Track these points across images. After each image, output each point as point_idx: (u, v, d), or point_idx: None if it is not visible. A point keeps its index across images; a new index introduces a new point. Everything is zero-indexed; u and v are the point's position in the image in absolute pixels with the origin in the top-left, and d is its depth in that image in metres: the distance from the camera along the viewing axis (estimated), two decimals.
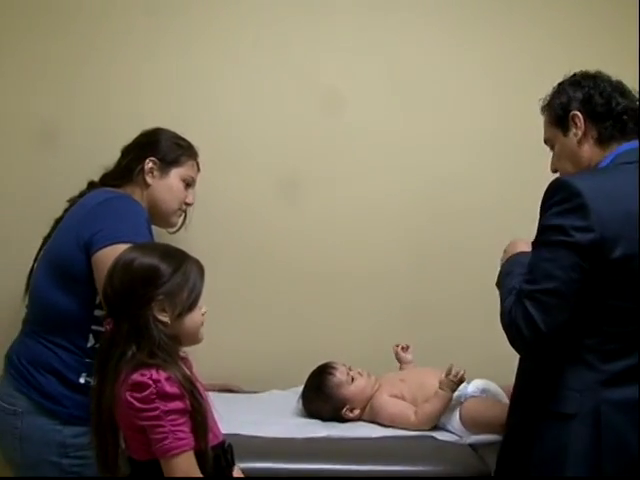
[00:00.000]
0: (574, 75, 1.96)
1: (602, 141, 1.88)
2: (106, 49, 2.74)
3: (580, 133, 1.89)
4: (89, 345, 2.07)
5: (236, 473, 1.79)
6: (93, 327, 2.07)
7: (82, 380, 2.06)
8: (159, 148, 2.27)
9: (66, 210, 2.24)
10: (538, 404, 1.80)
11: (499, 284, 1.91)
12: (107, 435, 1.67)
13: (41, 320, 2.12)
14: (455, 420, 2.29)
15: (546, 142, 2.01)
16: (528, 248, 1.89)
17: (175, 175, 2.28)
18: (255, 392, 2.66)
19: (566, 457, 1.72)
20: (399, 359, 2.62)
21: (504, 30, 2.84)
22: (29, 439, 2.05)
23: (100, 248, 2.00)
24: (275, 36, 2.79)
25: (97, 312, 2.06)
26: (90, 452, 1.99)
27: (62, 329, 2.07)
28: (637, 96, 1.92)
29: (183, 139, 2.33)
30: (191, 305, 1.70)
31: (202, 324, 1.74)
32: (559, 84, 1.98)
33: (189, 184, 2.32)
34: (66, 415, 2.05)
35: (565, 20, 2.84)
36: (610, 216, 1.69)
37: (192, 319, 1.71)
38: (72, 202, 2.25)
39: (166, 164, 2.26)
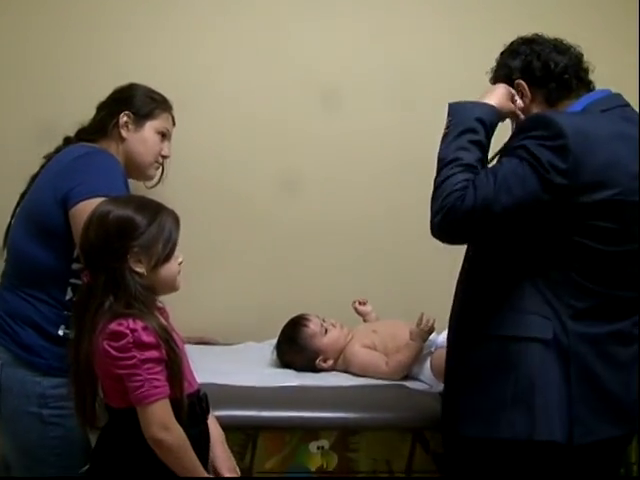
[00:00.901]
0: (512, 44, 1.98)
1: (551, 101, 1.91)
2: (104, 47, 2.77)
3: (528, 100, 1.92)
4: (67, 298, 2.09)
5: (211, 421, 1.84)
6: (71, 280, 2.08)
7: (60, 332, 2.08)
8: (133, 102, 2.27)
9: (42, 166, 2.24)
10: (501, 331, 1.81)
11: (454, 113, 1.91)
12: (85, 384, 1.70)
13: (19, 274, 2.13)
14: (426, 369, 2.36)
15: None
16: (503, 102, 1.90)
17: (150, 128, 2.28)
18: (231, 344, 2.71)
19: (540, 381, 1.75)
20: (360, 313, 2.68)
21: (505, 27, 2.77)
22: (9, 390, 2.07)
23: (77, 202, 2.00)
24: (275, 31, 2.83)
25: (75, 265, 2.07)
26: (69, 403, 2.02)
27: (40, 282, 2.09)
28: (577, 50, 1.94)
29: (157, 93, 2.34)
30: (167, 256, 1.72)
31: (179, 273, 1.76)
32: (500, 55, 2.00)
33: (165, 136, 2.33)
34: (45, 367, 2.06)
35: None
36: (588, 160, 1.70)
37: (169, 269, 1.73)
38: (48, 158, 2.25)
39: (140, 117, 2.27)
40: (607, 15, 2.89)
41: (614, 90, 1.92)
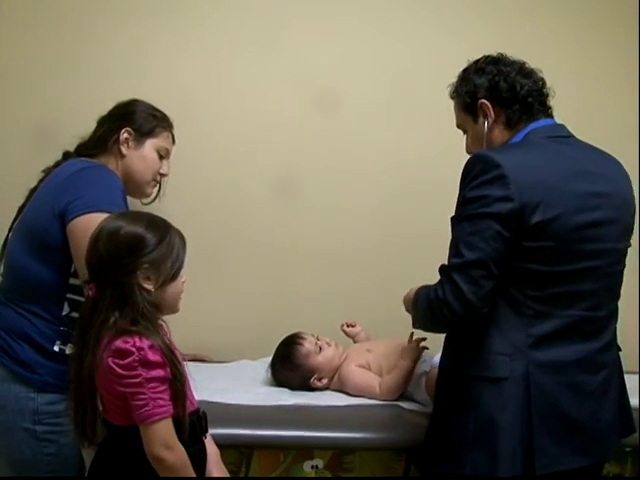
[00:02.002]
0: (477, 62, 2.03)
1: (511, 124, 1.96)
2: (103, 56, 2.78)
3: (491, 120, 1.96)
4: (64, 313, 2.08)
5: (207, 441, 1.84)
6: (68, 295, 2.08)
7: (56, 348, 2.07)
8: (134, 119, 2.26)
9: (41, 180, 2.23)
10: (467, 371, 1.85)
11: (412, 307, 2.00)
12: (86, 400, 1.69)
13: (16, 288, 2.11)
14: (421, 389, 2.34)
15: (459, 127, 2.09)
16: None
17: (150, 146, 2.27)
18: (225, 362, 2.70)
19: (500, 419, 1.78)
20: (349, 335, 2.67)
21: (504, 28, 2.89)
22: (3, 406, 2.05)
23: (75, 217, 2.00)
24: (272, 32, 2.84)
25: (72, 280, 2.07)
26: (64, 419, 2.03)
27: (37, 297, 2.07)
28: (539, 75, 1.99)
29: (158, 110, 2.33)
30: (174, 274, 1.73)
31: (181, 293, 1.78)
32: (464, 71, 2.05)
33: (163, 155, 2.32)
34: (40, 383, 2.05)
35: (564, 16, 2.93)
36: (528, 185, 1.76)
37: (175, 288, 1.74)
38: (47, 172, 2.23)
39: (141, 135, 2.26)
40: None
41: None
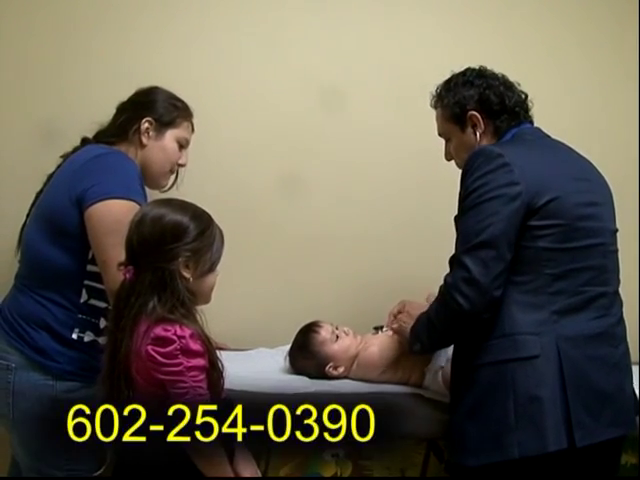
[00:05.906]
0: (463, 74, 2.11)
1: (499, 132, 2.05)
2: (108, 48, 2.74)
3: (481, 131, 2.05)
4: (82, 301, 2.07)
5: None
6: (86, 282, 2.07)
7: (75, 336, 2.06)
8: (155, 108, 2.23)
9: (59, 166, 2.20)
10: (495, 357, 1.86)
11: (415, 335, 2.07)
12: (121, 384, 1.68)
13: (33, 275, 2.10)
14: (437, 384, 2.31)
15: (441, 135, 2.18)
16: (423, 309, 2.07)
17: (170, 136, 2.25)
18: (242, 350, 2.68)
19: (540, 393, 1.80)
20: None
21: (505, 27, 2.91)
22: (21, 394, 2.04)
23: (93, 203, 1.99)
24: (275, 31, 2.83)
25: (90, 267, 2.06)
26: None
27: (55, 284, 2.06)
28: (518, 87, 2.10)
29: (179, 99, 2.30)
30: (212, 266, 1.75)
31: (214, 285, 1.80)
32: (448, 81, 2.13)
33: (183, 145, 2.30)
34: (58, 370, 2.04)
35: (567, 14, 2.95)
36: (528, 170, 1.84)
37: (211, 280, 1.77)
38: (65, 157, 2.21)
39: (162, 125, 2.23)
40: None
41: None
